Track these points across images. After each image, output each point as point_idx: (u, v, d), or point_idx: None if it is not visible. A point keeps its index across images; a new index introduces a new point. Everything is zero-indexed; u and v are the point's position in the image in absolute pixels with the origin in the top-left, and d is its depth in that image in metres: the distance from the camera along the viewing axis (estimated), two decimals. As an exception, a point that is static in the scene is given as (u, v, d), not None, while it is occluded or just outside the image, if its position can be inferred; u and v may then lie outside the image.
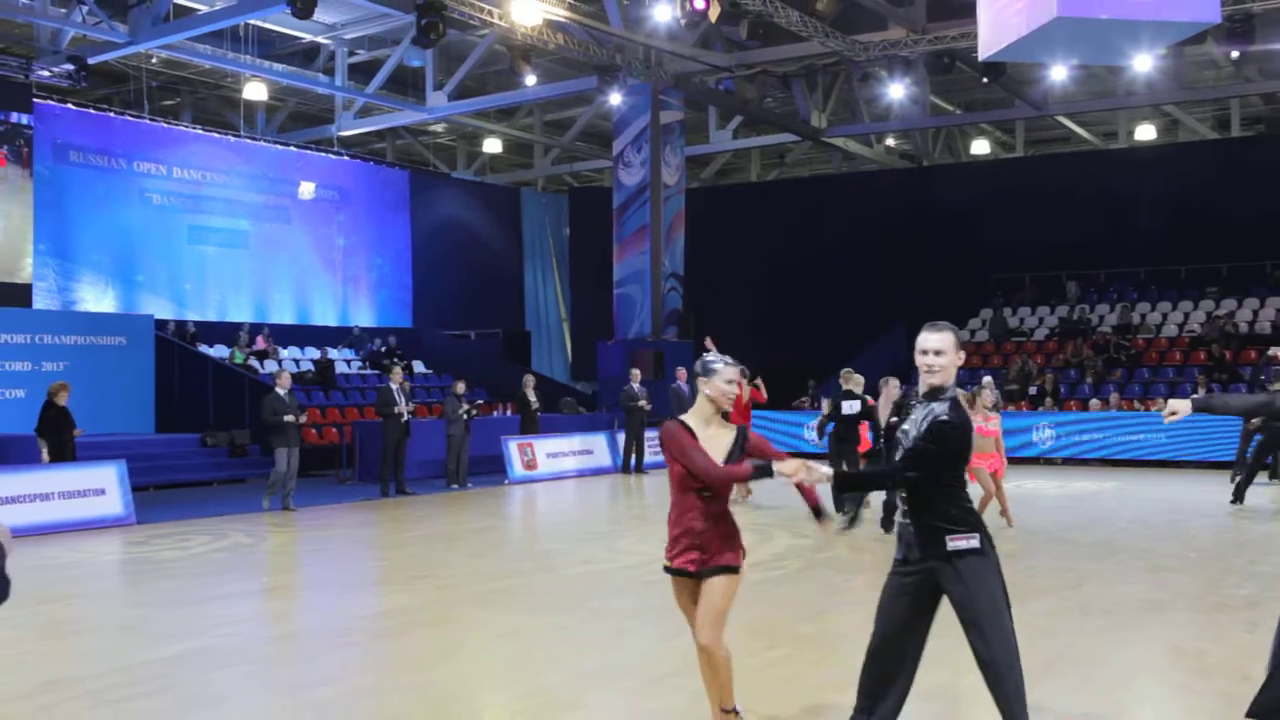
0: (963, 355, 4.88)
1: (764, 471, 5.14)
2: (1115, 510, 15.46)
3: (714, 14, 20.11)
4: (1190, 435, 20.97)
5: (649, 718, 6.12)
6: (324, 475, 21.28)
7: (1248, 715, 5.02)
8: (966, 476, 4.99)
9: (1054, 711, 6.11)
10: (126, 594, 10.65)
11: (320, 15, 22.22)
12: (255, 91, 27.04)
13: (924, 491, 4.78)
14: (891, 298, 30.37)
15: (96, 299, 24.77)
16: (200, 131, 27.73)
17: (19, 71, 22.42)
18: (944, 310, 27.76)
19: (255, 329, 26.08)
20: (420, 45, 20.81)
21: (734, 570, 5.31)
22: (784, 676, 6.86)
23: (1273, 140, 30.34)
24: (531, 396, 21.27)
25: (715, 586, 5.32)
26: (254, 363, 24.80)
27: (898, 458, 4.82)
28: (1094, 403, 24.06)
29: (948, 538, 4.75)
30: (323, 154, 30.08)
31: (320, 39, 26.60)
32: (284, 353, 26.29)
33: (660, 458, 23.42)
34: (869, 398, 14.30)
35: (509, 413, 23.60)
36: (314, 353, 26.88)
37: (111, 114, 26.02)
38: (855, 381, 13.85)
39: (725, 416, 5.32)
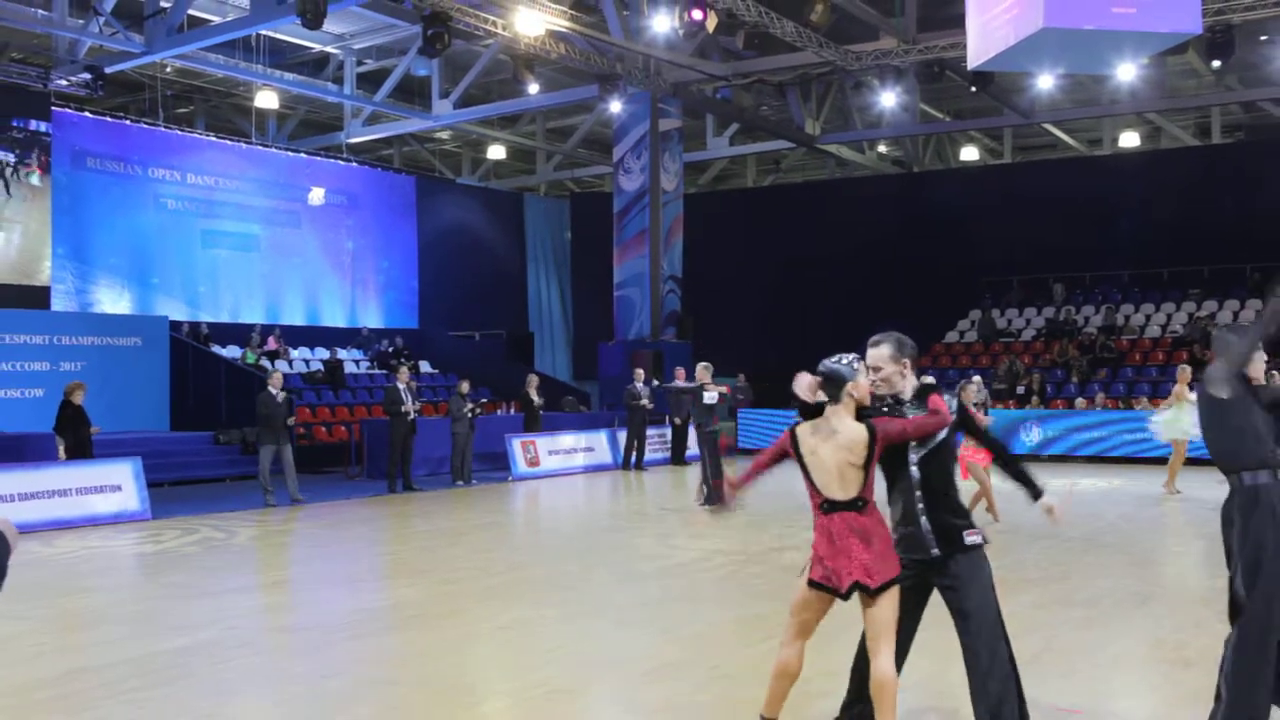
0: (906, 363, 4.96)
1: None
2: (1099, 506, 15.45)
3: (711, 25, 20.12)
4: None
5: (649, 707, 6.11)
6: (333, 472, 21.29)
7: None
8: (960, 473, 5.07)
9: (1039, 702, 6.10)
10: (142, 587, 10.64)
11: (329, 26, 22.26)
12: (266, 100, 27.04)
13: (941, 487, 4.92)
14: (883, 300, 30.33)
15: (113, 301, 24.77)
16: (213, 138, 27.74)
17: (38, 81, 22.42)
18: (934, 311, 27.93)
19: (267, 330, 26.06)
20: (426, 55, 20.84)
21: None
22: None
23: (1252, 147, 30.35)
24: (535, 395, 21.26)
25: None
26: (266, 363, 24.77)
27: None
28: (1079, 401, 24.07)
29: (965, 533, 4.91)
30: (332, 160, 30.07)
31: (329, 49, 26.60)
32: (294, 353, 26.30)
33: (661, 455, 23.37)
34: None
35: (512, 411, 23.59)
36: (324, 353, 26.90)
37: (127, 122, 26.02)
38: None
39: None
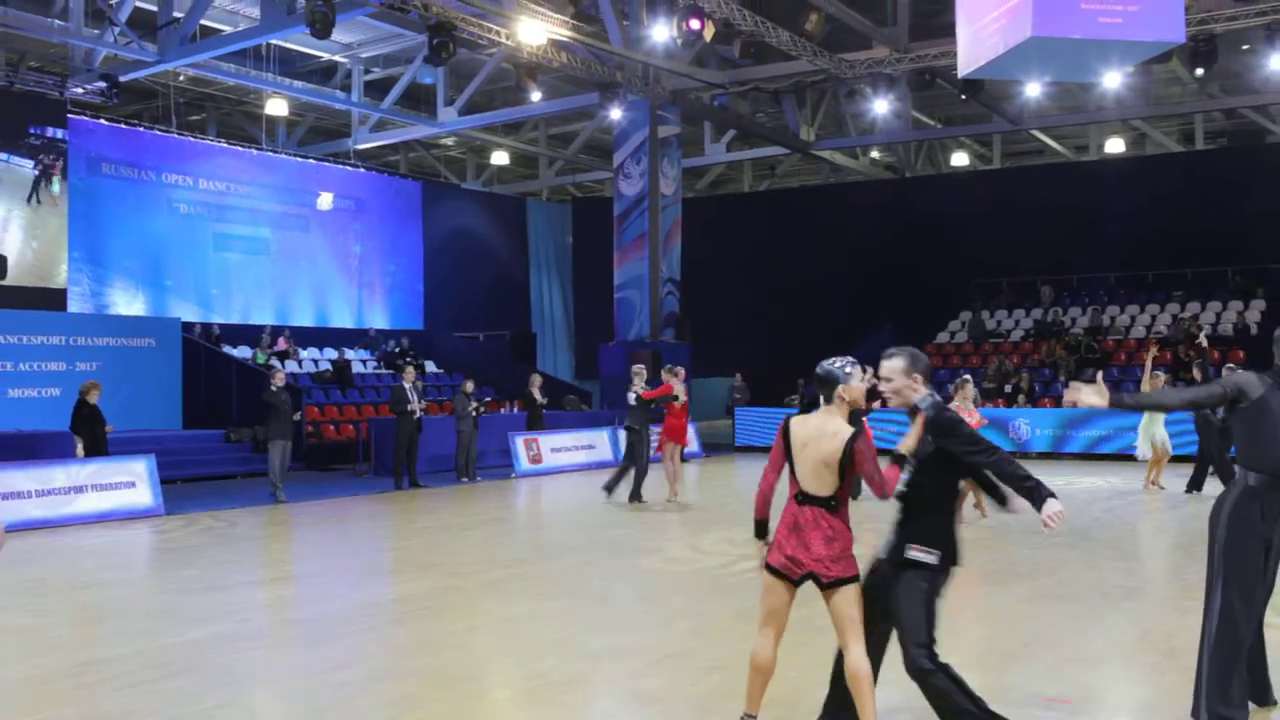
0: (917, 378, 4.97)
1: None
2: (1087, 502, 15.46)
3: (709, 34, 20.12)
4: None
5: (648, 697, 6.12)
6: (341, 469, 21.30)
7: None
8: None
9: (1029, 692, 6.11)
10: (155, 581, 10.65)
11: (338, 35, 22.25)
12: (276, 107, 27.03)
13: (920, 505, 5.04)
14: (876, 301, 30.39)
15: (127, 303, 24.77)
16: (225, 145, 27.74)
17: (55, 89, 22.43)
18: (926, 312, 27.89)
19: (276, 331, 26.06)
20: (432, 64, 20.81)
21: None
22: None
23: (1234, 153, 30.37)
24: (538, 394, 21.27)
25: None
26: (275, 363, 24.77)
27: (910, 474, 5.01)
28: (1066, 400, 24.07)
29: (910, 547, 4.97)
30: (340, 166, 30.07)
31: (338, 58, 26.61)
32: (304, 353, 26.29)
33: (657, 453, 23.30)
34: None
35: (516, 410, 23.58)
36: (332, 353, 26.89)
37: (141, 129, 26.01)
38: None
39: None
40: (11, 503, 13.43)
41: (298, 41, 24.13)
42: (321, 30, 18.26)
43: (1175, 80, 26.96)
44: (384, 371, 26.84)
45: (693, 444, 21.55)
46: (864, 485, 4.93)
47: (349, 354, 27.11)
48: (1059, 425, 22.76)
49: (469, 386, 19.62)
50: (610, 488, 15.67)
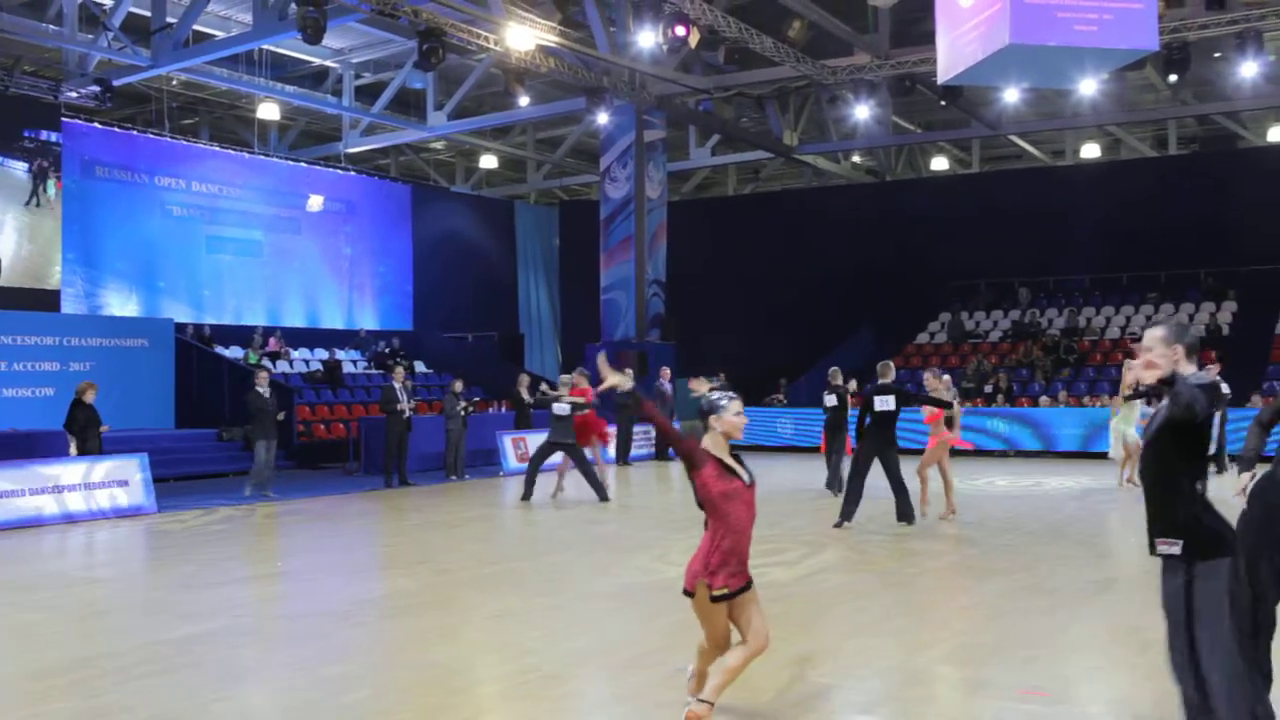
0: (1178, 349, 4.53)
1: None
2: (1063, 500, 15.54)
3: (694, 40, 20.13)
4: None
5: (632, 691, 6.14)
6: (332, 467, 21.26)
7: None
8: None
9: (1006, 685, 6.15)
10: (149, 577, 10.62)
11: (329, 41, 22.20)
12: (268, 111, 26.94)
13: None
14: (857, 302, 30.43)
15: (121, 304, 24.66)
16: (217, 149, 27.64)
17: (49, 93, 22.32)
18: (906, 314, 27.94)
19: (268, 332, 26.00)
20: (422, 69, 20.77)
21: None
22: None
23: (1206, 158, 30.51)
24: (525, 394, 21.26)
25: (755, 593, 5.36)
26: (267, 363, 24.73)
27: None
28: (1043, 399, 24.18)
29: None
30: (331, 169, 29.99)
31: (329, 63, 26.53)
32: (295, 354, 26.24)
33: (646, 450, 23.36)
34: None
35: (504, 409, 23.57)
36: (323, 354, 26.84)
37: (135, 132, 25.91)
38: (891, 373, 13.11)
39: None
40: (6, 500, 13.39)
41: (289, 47, 24.07)
42: (313, 36, 18.22)
43: (1149, 87, 27.07)
44: (374, 371, 26.79)
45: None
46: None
47: (340, 354, 27.05)
48: (1036, 424, 22.84)
49: (458, 386, 19.61)
50: (601, 495, 15.63)
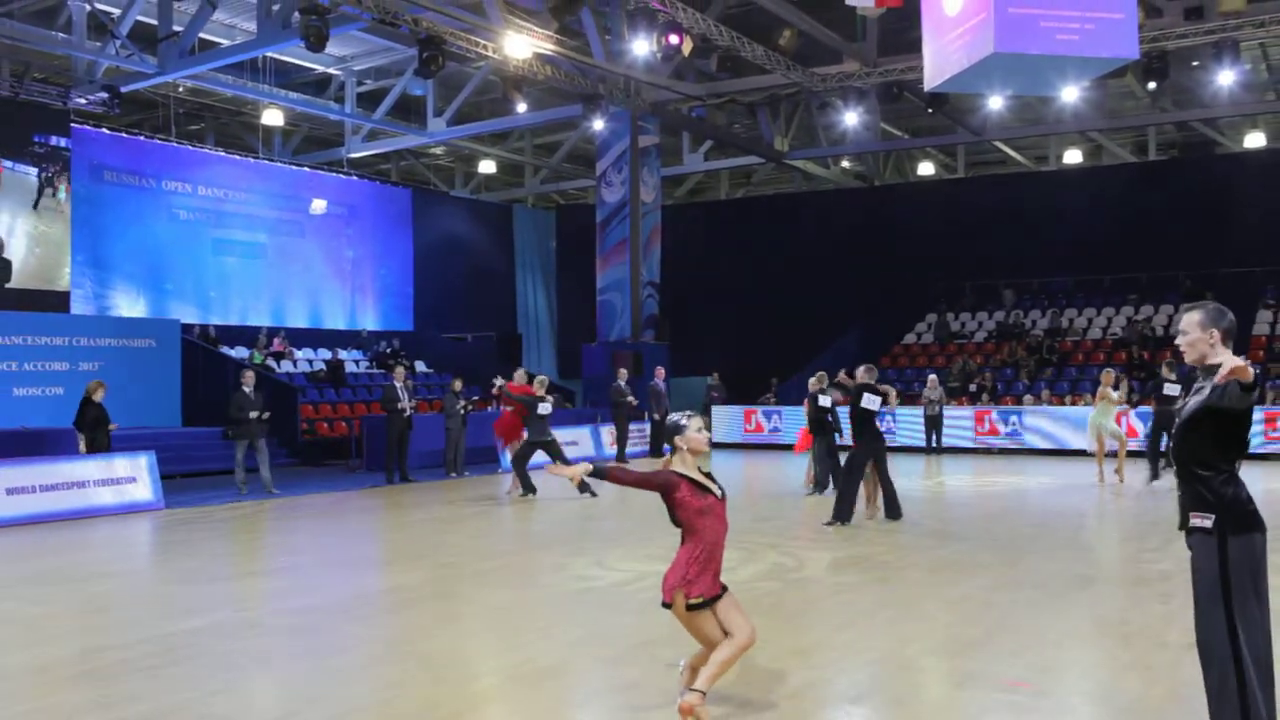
0: (1214, 334, 4.51)
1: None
2: (1046, 495, 15.54)
3: (687, 49, 20.12)
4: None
5: (627, 682, 6.13)
6: (335, 465, 21.24)
7: None
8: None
9: (991, 677, 6.14)
10: (156, 572, 10.60)
11: (331, 49, 22.17)
12: (272, 117, 26.91)
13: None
14: (846, 304, 30.44)
15: (129, 305, 24.62)
16: (222, 154, 27.60)
17: (58, 99, 22.27)
18: (893, 315, 28.01)
19: (272, 332, 25.96)
20: (422, 76, 20.75)
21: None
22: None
23: (1185, 163, 30.57)
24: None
25: (732, 596, 5.44)
26: (271, 363, 24.71)
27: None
28: (1027, 398, 24.20)
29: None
30: (333, 174, 29.95)
31: (331, 70, 26.50)
32: (299, 353, 26.20)
33: (641, 447, 23.39)
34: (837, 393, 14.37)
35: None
36: (326, 353, 26.80)
37: (142, 138, 25.86)
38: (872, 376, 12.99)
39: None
40: (17, 497, 13.36)
41: (293, 54, 24.04)
42: (316, 44, 18.20)
43: (1129, 94, 27.10)
44: (376, 371, 26.76)
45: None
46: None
47: (342, 354, 27.01)
48: (1019, 422, 22.86)
49: (457, 385, 19.59)
50: (582, 488, 15.64)
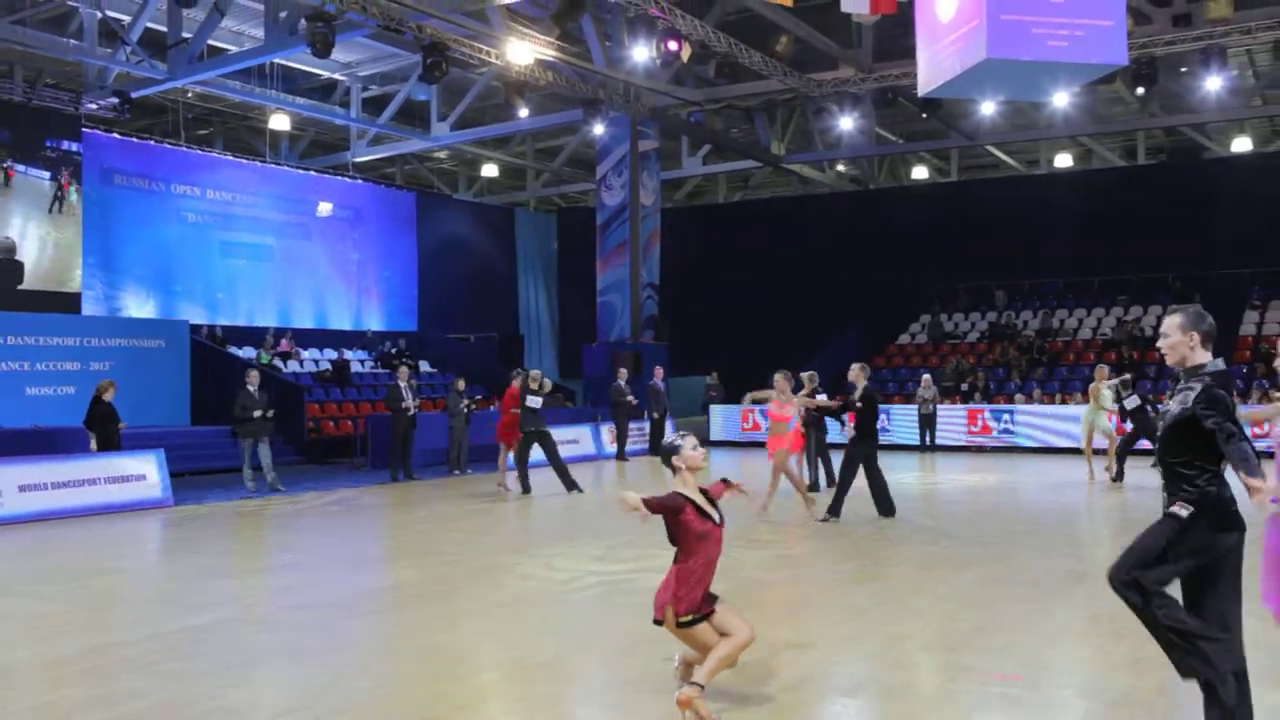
0: (1195, 337, 4.57)
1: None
2: (1037, 493, 15.52)
3: (686, 55, 20.11)
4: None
5: (625, 677, 6.10)
6: (340, 463, 21.21)
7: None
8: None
9: (983, 671, 6.12)
10: (164, 568, 10.57)
11: (337, 55, 22.17)
12: (279, 122, 26.90)
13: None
14: (842, 304, 30.43)
15: (138, 306, 24.60)
16: (230, 158, 27.58)
17: (70, 105, 22.25)
18: (888, 315, 27.96)
19: (279, 332, 25.94)
20: (426, 81, 20.73)
21: None
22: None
23: (1173, 168, 30.54)
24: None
25: (724, 604, 5.47)
26: (278, 363, 24.69)
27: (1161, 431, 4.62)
28: (1019, 397, 24.18)
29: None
30: (339, 178, 29.94)
31: (337, 76, 26.48)
32: (305, 354, 26.17)
33: (641, 445, 23.36)
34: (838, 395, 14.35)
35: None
36: (331, 354, 26.78)
37: (152, 142, 25.84)
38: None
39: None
40: (29, 494, 13.34)
41: (299, 60, 24.02)
42: (322, 50, 18.19)
43: (1119, 100, 27.09)
44: (381, 371, 26.73)
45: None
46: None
47: (348, 354, 26.99)
48: (1011, 420, 22.83)
49: (460, 385, 19.56)
50: (570, 486, 15.63)
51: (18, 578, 9.67)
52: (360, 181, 30.67)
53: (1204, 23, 19.46)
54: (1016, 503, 14.38)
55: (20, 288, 21.56)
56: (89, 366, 20.27)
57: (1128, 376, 17.50)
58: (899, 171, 35.07)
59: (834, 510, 12.20)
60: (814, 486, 14.99)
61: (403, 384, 18.18)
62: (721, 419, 25.96)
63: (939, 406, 23.31)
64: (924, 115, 23.93)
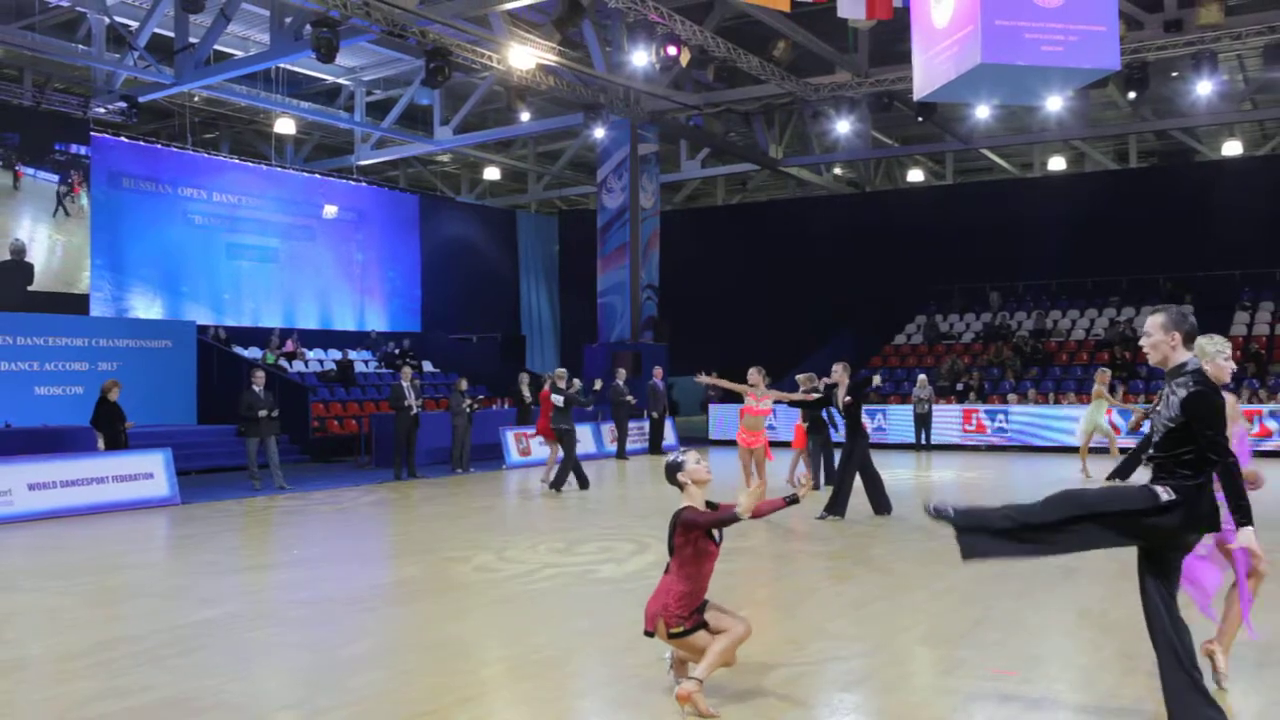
0: (1176, 336, 4.59)
1: (792, 501, 5.58)
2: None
3: (685, 60, 20.13)
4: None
5: (628, 672, 6.11)
6: (344, 461, 21.22)
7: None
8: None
9: (978, 665, 6.13)
10: (171, 565, 10.57)
11: (341, 60, 22.17)
12: (285, 126, 26.90)
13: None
14: (839, 306, 30.45)
15: (146, 307, 24.61)
16: (237, 161, 27.59)
17: (78, 109, 22.27)
18: (884, 316, 27.95)
19: (284, 333, 25.95)
20: (429, 86, 20.75)
21: None
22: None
23: (1165, 171, 30.58)
24: (526, 392, 21.22)
25: (716, 607, 5.53)
26: (283, 363, 24.69)
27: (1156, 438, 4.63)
28: (1012, 397, 24.18)
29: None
30: (343, 181, 29.95)
31: (341, 80, 26.51)
32: (309, 354, 26.19)
33: (640, 445, 23.35)
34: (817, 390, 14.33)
35: (506, 406, 23.53)
36: (336, 354, 26.79)
37: (159, 146, 25.85)
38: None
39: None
40: (38, 492, 13.35)
41: (305, 65, 24.05)
42: (326, 55, 18.20)
43: (1111, 104, 27.11)
44: (384, 371, 26.74)
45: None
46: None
47: (351, 354, 27.00)
48: (1005, 420, 22.84)
49: (463, 384, 19.57)
50: (557, 484, 15.66)
51: (28, 574, 9.68)
52: (364, 184, 30.68)
53: (1195, 28, 19.48)
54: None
55: (30, 289, 21.58)
56: (97, 367, 20.28)
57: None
58: (895, 174, 35.08)
59: (834, 509, 12.20)
60: (816, 485, 14.98)
61: (406, 384, 18.19)
62: (721, 419, 25.96)
63: (934, 406, 23.33)
64: (919, 119, 23.95)
